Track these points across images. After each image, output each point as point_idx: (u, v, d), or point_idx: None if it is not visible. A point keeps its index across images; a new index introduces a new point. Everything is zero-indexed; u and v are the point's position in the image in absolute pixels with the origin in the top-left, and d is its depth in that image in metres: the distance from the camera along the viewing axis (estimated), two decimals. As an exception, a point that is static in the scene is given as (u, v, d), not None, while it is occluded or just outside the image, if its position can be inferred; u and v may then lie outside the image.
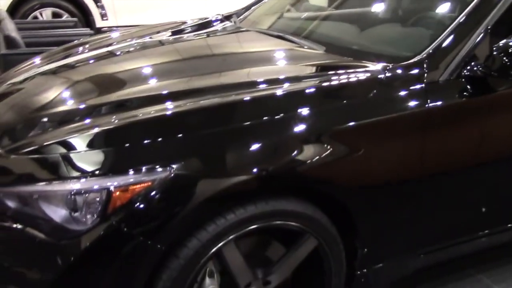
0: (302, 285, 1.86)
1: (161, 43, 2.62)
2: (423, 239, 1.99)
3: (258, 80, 1.86)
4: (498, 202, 2.14)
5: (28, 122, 1.85)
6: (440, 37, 1.88)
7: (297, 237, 1.71)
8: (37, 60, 2.61)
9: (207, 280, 1.64)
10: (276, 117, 1.64)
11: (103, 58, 2.41)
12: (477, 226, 2.14)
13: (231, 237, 1.57)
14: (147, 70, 2.19)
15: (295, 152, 1.62)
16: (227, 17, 2.95)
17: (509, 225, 2.19)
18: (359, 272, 1.88)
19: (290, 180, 1.65)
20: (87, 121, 1.71)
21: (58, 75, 2.29)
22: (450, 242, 2.09)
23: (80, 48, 2.64)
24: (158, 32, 2.77)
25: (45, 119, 1.83)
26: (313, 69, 2.04)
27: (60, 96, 1.98)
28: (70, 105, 1.92)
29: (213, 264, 1.64)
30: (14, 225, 1.51)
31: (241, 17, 2.91)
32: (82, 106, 1.86)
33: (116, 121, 1.64)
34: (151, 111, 1.67)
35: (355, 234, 1.80)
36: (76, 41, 3.04)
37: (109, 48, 2.53)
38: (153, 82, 2.05)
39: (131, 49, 2.49)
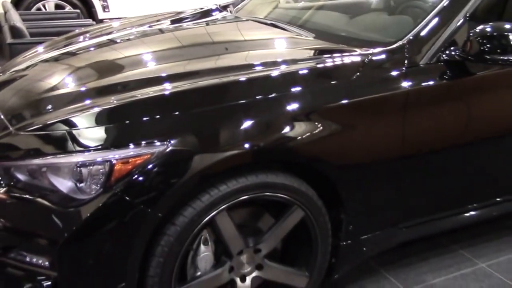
0: (291, 255, 2.00)
1: (160, 31, 2.74)
2: (405, 213, 2.13)
3: (252, 63, 1.99)
4: (477, 180, 2.27)
5: (32, 104, 1.97)
6: (421, 24, 2.01)
7: (285, 208, 1.84)
8: (40, 48, 2.73)
9: (202, 248, 1.77)
10: (268, 96, 1.77)
11: (103, 45, 2.53)
12: (456, 203, 2.27)
13: (223, 206, 1.70)
14: (147, 56, 2.30)
15: (285, 129, 1.74)
16: (224, 7, 3.07)
17: (487, 202, 2.32)
18: (343, 243, 2.01)
19: (280, 155, 1.77)
20: (87, 101, 1.83)
21: (60, 62, 2.40)
22: (431, 217, 2.22)
23: (81, 37, 2.75)
24: (158, 21, 2.90)
25: (48, 101, 1.94)
26: (304, 53, 2.17)
27: (62, 80, 2.10)
28: (71, 88, 2.02)
29: (207, 232, 1.77)
30: (25, 195, 1.64)
31: (238, 6, 3.04)
32: (82, 89, 1.97)
33: (115, 101, 1.76)
34: (150, 91, 1.79)
35: (340, 207, 1.94)
36: (77, 30, 3.16)
37: (110, 36, 2.65)
38: (152, 66, 2.18)
39: (131, 37, 2.62)
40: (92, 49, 2.52)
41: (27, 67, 2.38)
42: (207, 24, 2.84)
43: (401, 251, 2.37)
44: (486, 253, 2.49)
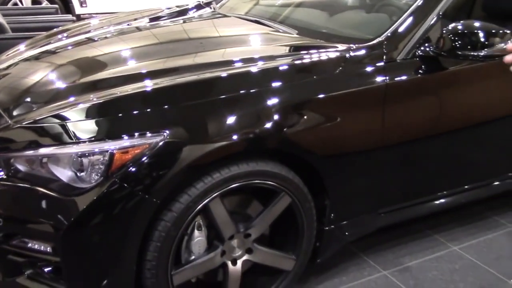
0: (279, 239, 2.11)
1: (138, 29, 2.79)
2: (384, 200, 2.26)
3: (240, 58, 2.07)
4: (449, 168, 2.42)
5: (27, 99, 2.03)
6: (398, 22, 2.14)
7: (273, 195, 1.95)
8: (21, 47, 2.75)
9: (196, 233, 1.87)
10: (254, 90, 1.87)
11: (82, 43, 2.57)
12: (433, 190, 2.42)
13: (216, 193, 1.80)
14: (126, 53, 2.36)
15: (271, 121, 1.85)
16: (207, 3, 3.16)
17: (458, 189, 2.48)
18: (327, 228, 2.13)
19: (266, 145, 1.88)
20: (71, 99, 1.89)
21: (40, 60, 2.44)
22: (408, 203, 2.37)
23: (60, 35, 2.79)
24: (136, 19, 2.95)
25: (41, 96, 2.00)
26: (289, 49, 2.28)
27: (44, 78, 2.14)
28: (54, 86, 2.07)
29: (201, 218, 1.87)
30: (26, 185, 1.72)
31: (221, 2, 3.13)
32: (65, 86, 2.04)
33: (95, 98, 1.82)
34: (134, 87, 1.86)
35: (324, 194, 2.06)
36: (55, 29, 3.17)
37: (88, 35, 2.69)
38: (132, 63, 2.22)
39: (108, 35, 2.66)
40: (70, 47, 2.54)
41: (8, 67, 2.41)
42: (191, 21, 2.92)
43: (380, 236, 2.52)
44: (458, 237, 2.65)
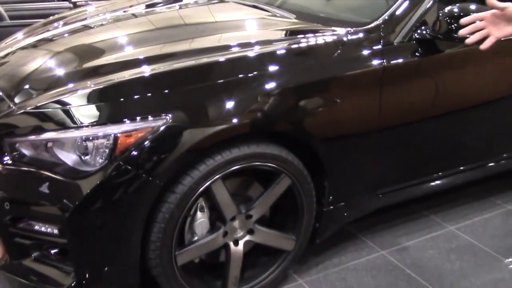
0: (279, 220, 2.16)
1: (134, 15, 2.78)
2: (382, 181, 2.31)
3: (240, 43, 2.09)
4: (448, 149, 2.47)
5: (30, 84, 2.05)
6: (394, 5, 2.16)
7: (273, 177, 1.99)
8: (19, 35, 2.76)
9: (199, 214, 1.92)
10: (253, 73, 1.90)
11: (79, 31, 2.58)
12: (429, 171, 2.47)
13: (218, 175, 1.84)
14: (123, 40, 2.37)
15: (271, 105, 1.89)
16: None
17: (453, 170, 2.53)
18: (326, 209, 2.18)
19: (266, 128, 1.91)
20: (71, 85, 1.92)
21: (38, 48, 2.45)
22: (406, 184, 2.41)
23: (57, 23, 2.79)
24: (132, 6, 2.95)
25: (42, 82, 2.03)
26: (288, 33, 2.31)
27: (43, 66, 2.16)
28: (53, 73, 2.10)
29: (203, 200, 1.91)
30: (32, 169, 1.75)
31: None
32: (63, 73, 2.07)
33: (95, 84, 1.85)
34: (132, 73, 1.88)
35: (323, 176, 2.10)
36: (51, 17, 3.16)
37: (85, 22, 2.69)
38: (130, 50, 2.23)
39: (105, 22, 2.67)
40: (67, 35, 2.56)
41: (6, 55, 2.42)
42: (188, 7, 2.93)
43: (378, 217, 2.57)
44: (454, 217, 2.71)
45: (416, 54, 2.15)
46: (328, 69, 2.02)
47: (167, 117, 1.73)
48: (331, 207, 2.19)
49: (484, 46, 1.66)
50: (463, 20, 1.66)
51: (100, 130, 1.71)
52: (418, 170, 2.42)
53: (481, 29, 1.67)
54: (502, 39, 1.71)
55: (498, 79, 2.44)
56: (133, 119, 1.72)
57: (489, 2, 1.65)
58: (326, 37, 2.11)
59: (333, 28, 2.18)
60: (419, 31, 2.15)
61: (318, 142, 2.01)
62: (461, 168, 2.56)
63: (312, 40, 2.10)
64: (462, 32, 1.65)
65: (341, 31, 2.13)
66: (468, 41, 1.69)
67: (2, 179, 1.80)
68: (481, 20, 1.69)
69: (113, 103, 1.81)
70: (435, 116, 2.30)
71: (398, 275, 2.29)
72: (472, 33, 1.71)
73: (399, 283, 2.25)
